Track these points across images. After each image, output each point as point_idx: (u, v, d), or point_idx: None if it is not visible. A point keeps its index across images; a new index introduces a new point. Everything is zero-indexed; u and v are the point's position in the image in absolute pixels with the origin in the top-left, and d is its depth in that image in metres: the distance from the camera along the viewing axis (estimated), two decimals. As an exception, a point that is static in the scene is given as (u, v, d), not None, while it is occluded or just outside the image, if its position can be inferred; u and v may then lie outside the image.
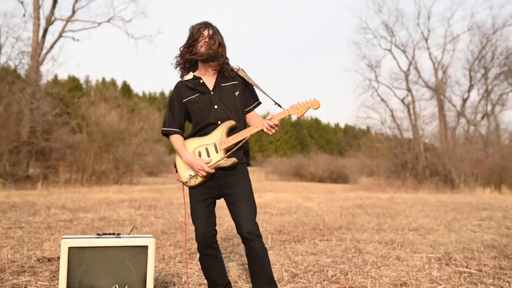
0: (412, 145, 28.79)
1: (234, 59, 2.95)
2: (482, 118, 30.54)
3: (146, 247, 2.65)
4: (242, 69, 2.94)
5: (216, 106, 2.83)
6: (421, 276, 3.96)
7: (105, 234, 2.68)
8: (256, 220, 2.83)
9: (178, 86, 2.94)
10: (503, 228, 7.95)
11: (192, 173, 2.78)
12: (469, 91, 30.79)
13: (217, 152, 2.78)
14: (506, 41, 33.39)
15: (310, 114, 78.36)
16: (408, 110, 30.34)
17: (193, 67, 2.94)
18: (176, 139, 2.91)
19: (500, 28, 30.24)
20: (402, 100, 30.53)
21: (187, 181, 2.79)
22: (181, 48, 2.86)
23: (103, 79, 51.85)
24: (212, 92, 2.86)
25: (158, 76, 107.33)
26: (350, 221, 8.40)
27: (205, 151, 2.79)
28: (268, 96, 2.93)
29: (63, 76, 49.71)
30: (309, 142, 77.66)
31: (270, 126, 2.72)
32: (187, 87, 2.90)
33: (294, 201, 12.98)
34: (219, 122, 2.81)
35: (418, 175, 27.98)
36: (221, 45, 2.86)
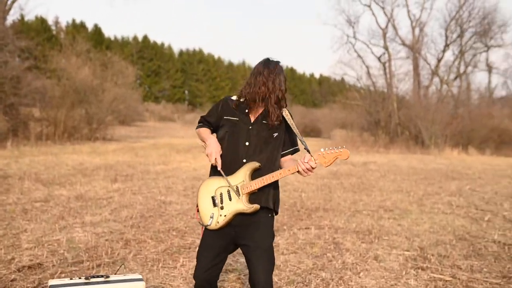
0: (386, 104, 29.07)
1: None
2: (455, 78, 30.94)
3: (136, 291, 2.63)
4: (287, 110, 2.76)
5: (247, 143, 2.68)
6: (399, 287, 4.09)
7: (94, 277, 2.64)
8: None
9: (226, 100, 2.82)
10: (472, 208, 8.24)
11: (213, 215, 2.64)
12: (444, 50, 30.98)
13: (239, 197, 2.62)
14: (483, 1, 33.34)
15: (286, 63, 77.66)
16: (384, 68, 30.42)
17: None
18: (204, 129, 2.86)
19: (479, -13, 30.13)
20: (379, 58, 30.52)
21: (208, 224, 2.65)
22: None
23: (73, 21, 49.70)
24: (251, 127, 2.71)
25: (131, 19, 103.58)
26: (327, 199, 8.54)
27: (227, 194, 2.64)
28: (300, 140, 2.75)
29: (30, 17, 47.25)
30: (283, 92, 77.17)
31: (307, 169, 2.58)
32: (233, 106, 2.76)
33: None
34: (244, 161, 2.65)
35: (390, 133, 28.45)
36: (275, 91, 2.66)
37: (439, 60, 30.90)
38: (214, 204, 2.66)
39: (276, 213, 2.81)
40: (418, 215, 7.41)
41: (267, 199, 2.70)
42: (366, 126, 29.78)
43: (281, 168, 2.74)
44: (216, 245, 2.70)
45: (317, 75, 73.91)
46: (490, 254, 5.30)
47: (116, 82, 20.73)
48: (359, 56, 31.31)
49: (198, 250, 2.75)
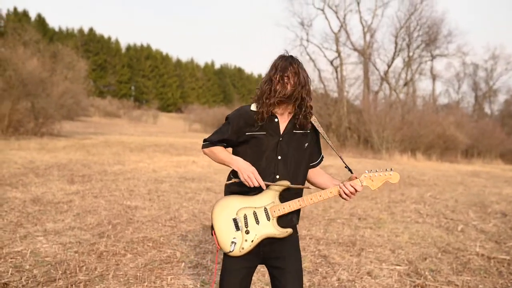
0: (337, 107, 29.41)
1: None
2: (405, 85, 31.78)
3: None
4: (313, 114, 2.45)
5: (279, 157, 2.34)
6: (406, 308, 3.87)
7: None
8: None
9: (245, 113, 2.37)
10: (441, 217, 8.24)
11: (236, 240, 2.28)
12: (394, 57, 31.74)
13: (268, 220, 2.30)
14: (431, 11, 34.48)
15: (234, 63, 77.49)
16: (336, 72, 30.78)
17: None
18: (220, 149, 2.39)
19: (428, -3, 31.16)
20: (331, 62, 30.83)
21: (230, 251, 2.28)
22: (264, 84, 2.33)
23: (15, 9, 47.07)
24: (281, 138, 2.35)
25: (77, 10, 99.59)
26: (298, 205, 8.29)
27: (253, 216, 2.30)
28: (338, 154, 2.52)
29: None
30: (232, 91, 77.26)
31: (351, 193, 2.35)
32: (256, 119, 2.33)
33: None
34: (277, 177, 2.33)
35: (341, 136, 28.79)
36: (304, 85, 2.32)
37: (389, 66, 31.64)
38: (237, 228, 2.30)
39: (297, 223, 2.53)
40: (393, 225, 7.29)
41: (292, 218, 2.42)
42: (318, 129, 29.97)
43: (311, 181, 2.53)
44: (241, 268, 2.36)
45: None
46: (479, 269, 5.20)
47: (66, 76, 19.51)
48: (311, 59, 31.61)
49: (221, 276, 2.39)
